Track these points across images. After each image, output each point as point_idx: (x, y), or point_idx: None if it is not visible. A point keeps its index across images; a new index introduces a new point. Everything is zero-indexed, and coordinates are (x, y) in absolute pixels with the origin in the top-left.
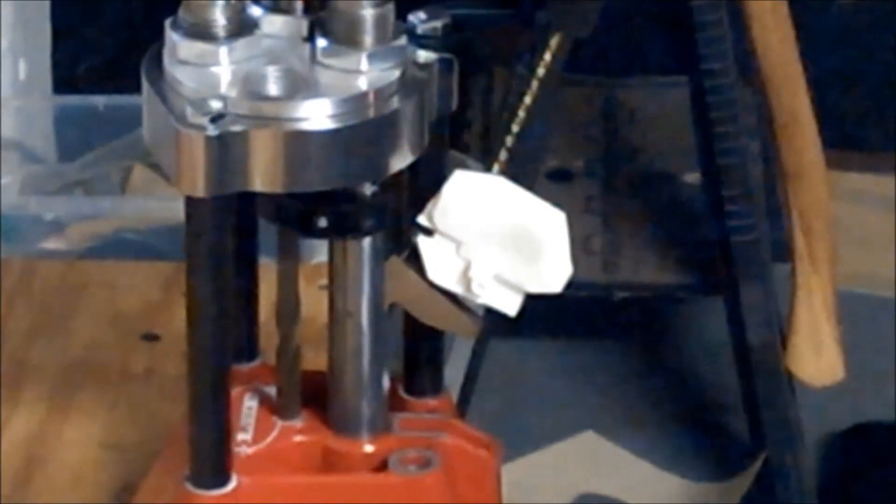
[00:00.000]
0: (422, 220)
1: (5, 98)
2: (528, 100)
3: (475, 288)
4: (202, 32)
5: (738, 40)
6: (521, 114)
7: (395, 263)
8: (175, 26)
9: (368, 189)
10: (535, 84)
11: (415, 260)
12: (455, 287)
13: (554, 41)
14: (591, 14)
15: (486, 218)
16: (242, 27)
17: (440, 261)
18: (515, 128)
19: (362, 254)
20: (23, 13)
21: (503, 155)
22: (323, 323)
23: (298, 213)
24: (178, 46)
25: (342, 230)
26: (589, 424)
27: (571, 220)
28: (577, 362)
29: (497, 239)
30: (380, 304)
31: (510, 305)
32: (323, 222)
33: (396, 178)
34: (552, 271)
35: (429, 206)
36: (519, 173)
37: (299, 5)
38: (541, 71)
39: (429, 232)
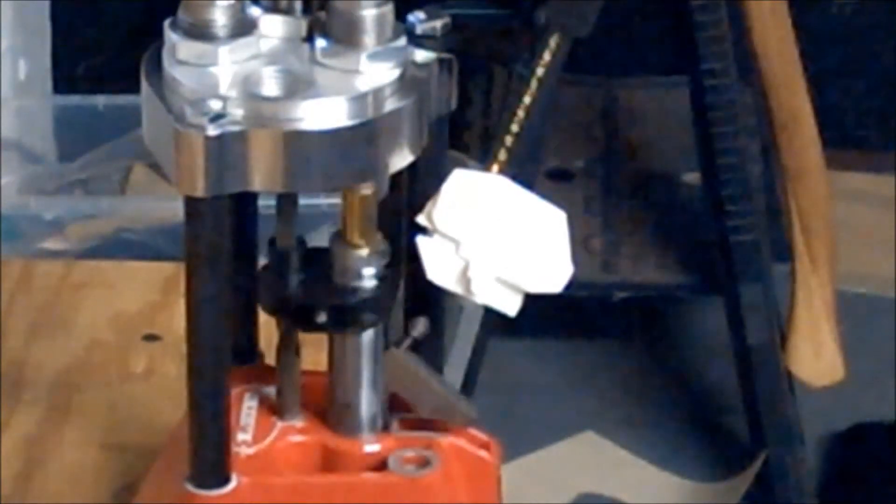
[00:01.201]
0: (421, 219)
1: (5, 98)
2: (527, 100)
3: (474, 288)
4: (201, 32)
5: (738, 40)
6: (521, 114)
7: (394, 354)
8: (174, 26)
9: (368, 282)
10: (534, 84)
11: (413, 351)
12: (454, 287)
13: (553, 41)
14: (590, 14)
15: (485, 218)
16: (242, 27)
17: (439, 261)
18: (515, 128)
19: (361, 347)
20: (23, 13)
21: (503, 155)
22: None
23: (297, 306)
24: (178, 46)
25: (341, 324)
26: (589, 424)
27: (571, 220)
28: (577, 362)
29: (497, 239)
30: (378, 394)
31: (510, 305)
32: (322, 317)
33: (395, 272)
34: (552, 271)
35: (428, 205)
36: (519, 173)
37: (299, 5)
38: (540, 71)
39: (427, 232)
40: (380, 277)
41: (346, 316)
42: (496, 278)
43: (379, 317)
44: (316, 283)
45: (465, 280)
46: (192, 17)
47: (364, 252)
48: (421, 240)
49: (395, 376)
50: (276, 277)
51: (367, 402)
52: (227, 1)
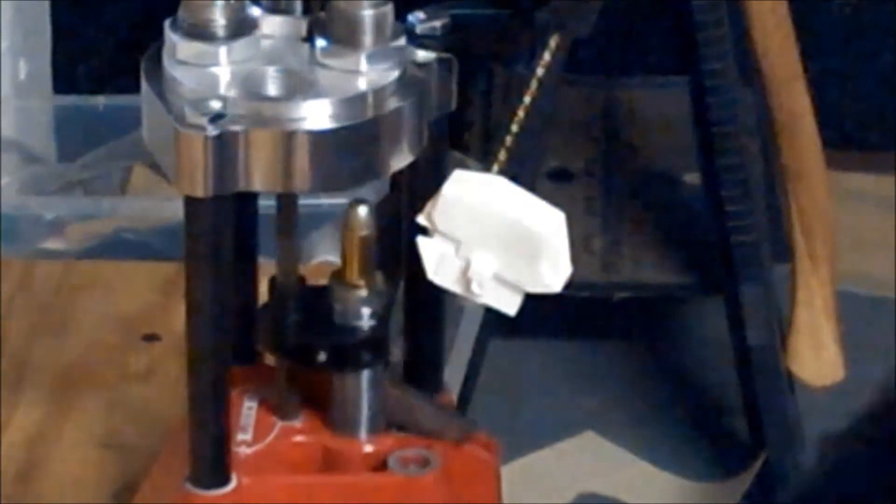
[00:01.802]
0: (421, 219)
1: (5, 98)
2: (527, 100)
3: (474, 288)
4: (202, 32)
5: (738, 40)
6: (521, 114)
7: (388, 387)
8: (174, 26)
9: (367, 322)
10: (534, 84)
11: (397, 370)
12: (454, 287)
13: (553, 41)
14: (590, 14)
15: (485, 218)
16: (242, 27)
17: (439, 261)
18: (515, 128)
19: (361, 385)
20: (23, 13)
21: (503, 155)
22: None
23: (298, 345)
24: (178, 46)
25: (341, 364)
26: (589, 424)
27: (571, 220)
28: (577, 362)
29: (496, 239)
30: (379, 428)
31: (510, 305)
32: (322, 356)
33: (390, 308)
34: (552, 271)
35: (428, 205)
36: (519, 173)
37: (299, 5)
38: (540, 71)
39: (427, 232)
40: (379, 317)
41: (345, 356)
42: (496, 278)
43: (378, 356)
44: (315, 322)
45: (466, 280)
46: (192, 17)
47: (363, 292)
48: (421, 240)
49: (388, 408)
50: (276, 316)
51: (365, 435)
52: (228, 1)
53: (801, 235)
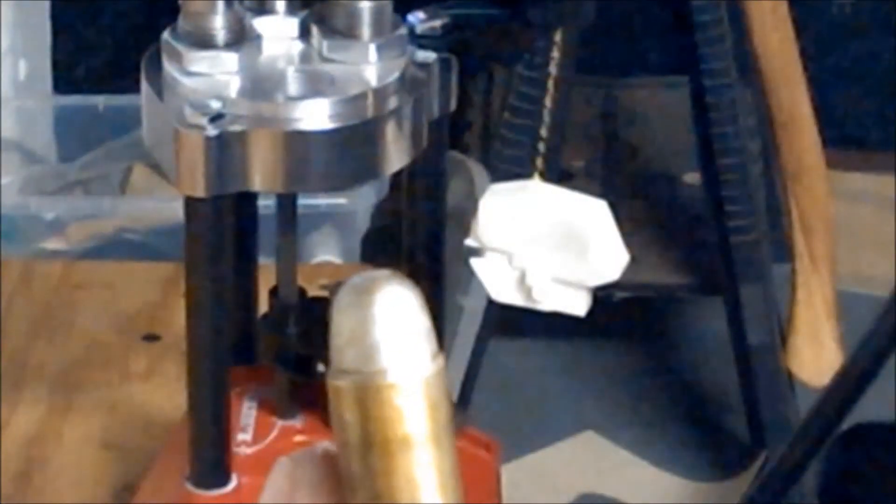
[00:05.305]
0: (469, 241)
1: (5, 98)
2: (549, 103)
3: (536, 296)
4: (202, 35)
5: (738, 40)
6: (548, 118)
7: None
8: (175, 28)
9: None
10: (551, 85)
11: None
12: (517, 300)
13: (559, 38)
14: (588, 3)
15: (528, 222)
16: (241, 29)
17: (497, 277)
18: (545, 132)
19: None
20: (23, 13)
21: (540, 163)
22: None
23: (297, 357)
24: (178, 49)
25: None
26: (589, 424)
27: None
28: (577, 362)
29: (545, 241)
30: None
31: (577, 306)
32: (321, 367)
33: None
34: (606, 260)
35: (472, 226)
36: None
37: (282, 5)
38: (554, 70)
39: (480, 252)
40: None
41: None
42: (555, 280)
43: None
44: (315, 333)
45: (527, 290)
46: (193, 20)
47: None
48: (474, 261)
49: None
50: (276, 327)
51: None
52: (227, 5)
53: (801, 235)
